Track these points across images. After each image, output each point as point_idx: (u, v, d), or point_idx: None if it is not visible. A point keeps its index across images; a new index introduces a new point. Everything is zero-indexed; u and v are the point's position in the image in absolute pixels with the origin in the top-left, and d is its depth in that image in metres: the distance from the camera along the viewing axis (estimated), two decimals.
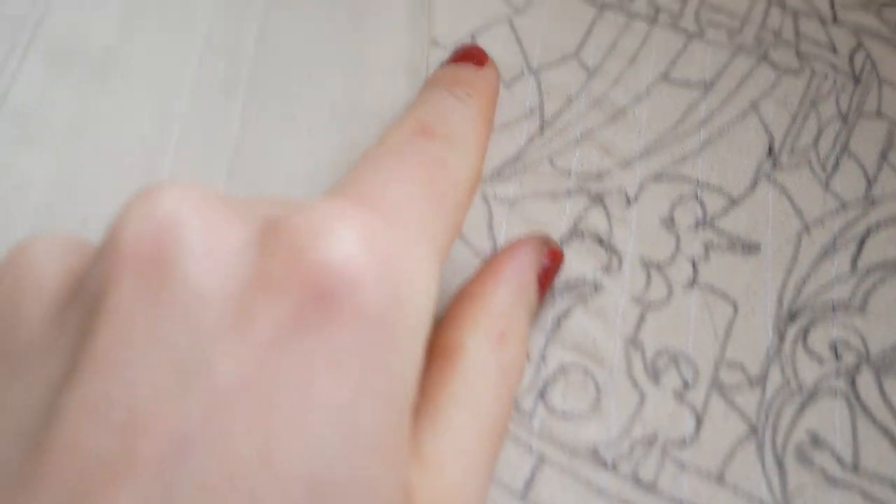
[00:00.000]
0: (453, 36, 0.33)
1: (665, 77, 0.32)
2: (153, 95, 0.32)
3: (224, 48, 0.33)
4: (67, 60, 0.32)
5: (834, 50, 0.33)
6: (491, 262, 0.27)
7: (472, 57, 0.30)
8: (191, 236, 0.18)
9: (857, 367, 0.28)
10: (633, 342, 0.28)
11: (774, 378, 0.28)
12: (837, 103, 0.32)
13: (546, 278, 0.27)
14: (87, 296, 0.18)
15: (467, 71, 0.29)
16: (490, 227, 0.30)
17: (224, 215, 0.19)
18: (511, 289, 0.26)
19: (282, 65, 0.33)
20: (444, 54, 0.33)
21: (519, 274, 0.26)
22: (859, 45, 0.33)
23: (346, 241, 0.18)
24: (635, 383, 0.28)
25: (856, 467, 0.26)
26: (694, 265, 0.29)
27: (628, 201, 0.30)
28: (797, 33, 0.33)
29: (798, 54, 0.33)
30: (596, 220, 0.30)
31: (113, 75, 0.32)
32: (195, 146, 0.32)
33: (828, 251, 0.29)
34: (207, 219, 0.19)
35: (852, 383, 0.28)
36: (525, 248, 0.27)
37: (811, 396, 0.27)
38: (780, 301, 0.29)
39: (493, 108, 0.29)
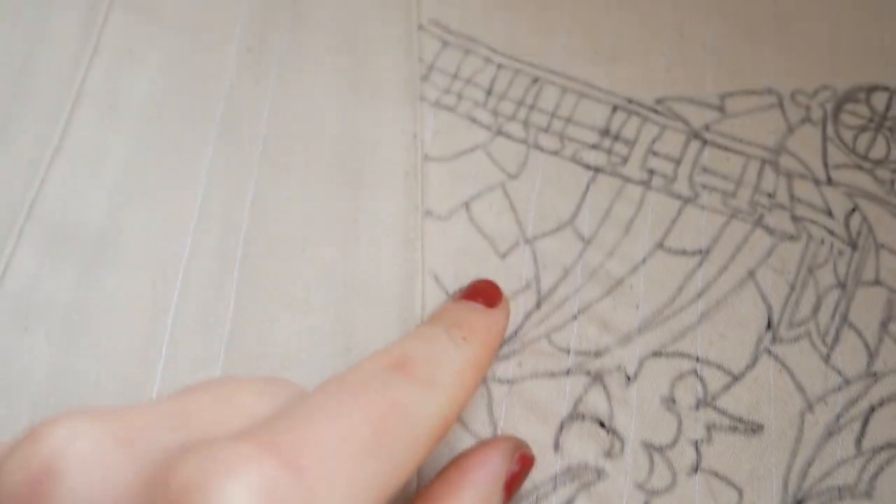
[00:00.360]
0: (447, 204, 0.34)
1: (660, 245, 0.33)
2: (149, 277, 0.33)
3: (219, 218, 0.34)
4: (62, 244, 0.33)
5: (829, 213, 0.33)
6: (459, 463, 0.27)
7: (483, 295, 0.30)
8: (66, 490, 0.18)
9: None
10: None
11: None
12: (835, 270, 0.32)
13: (513, 484, 0.27)
14: None
15: (473, 312, 0.29)
16: (490, 410, 0.30)
17: (111, 459, 0.19)
18: (477, 494, 0.26)
19: (276, 236, 0.33)
20: (437, 224, 0.33)
21: (486, 479, 0.26)
22: (855, 209, 0.33)
23: (233, 499, 0.17)
24: None
25: None
26: (697, 448, 0.30)
27: (628, 380, 0.31)
28: (792, 196, 0.34)
29: (793, 218, 0.33)
30: (596, 400, 0.30)
31: (108, 258, 0.33)
32: (191, 327, 0.32)
33: (832, 431, 0.30)
34: (90, 466, 0.18)
35: None
36: (495, 452, 0.27)
37: None
38: (785, 487, 0.29)
39: (492, 355, 0.29)
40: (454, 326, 0.27)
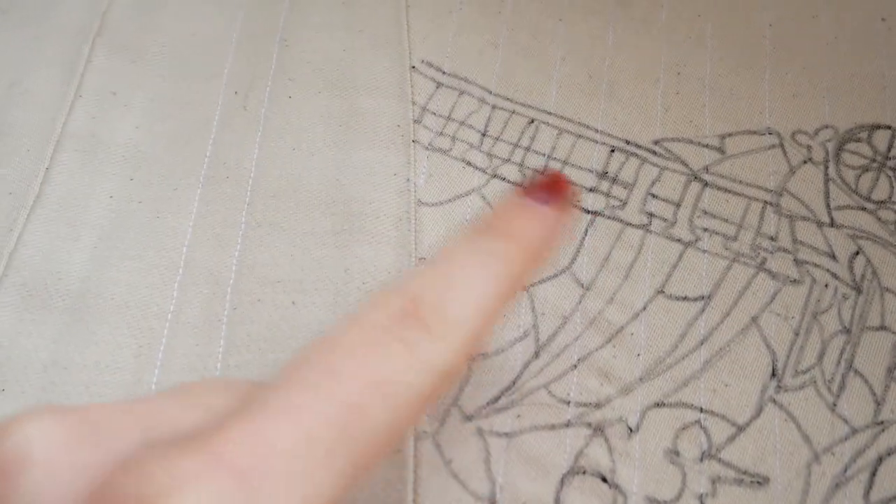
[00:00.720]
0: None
1: (661, 291, 0.33)
2: (133, 334, 0.32)
3: (205, 271, 0.33)
4: (42, 297, 0.33)
5: (833, 256, 0.33)
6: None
7: (545, 189, 0.26)
8: (27, 486, 0.18)
9: None
10: None
11: None
12: (840, 315, 0.32)
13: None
14: None
15: (522, 214, 0.25)
16: (488, 465, 0.30)
17: (76, 458, 0.19)
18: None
19: (265, 289, 0.33)
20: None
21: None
22: (858, 252, 0.33)
23: None
24: None
25: None
26: (702, 502, 0.29)
27: (630, 431, 0.30)
28: (794, 239, 0.34)
29: (796, 262, 0.33)
30: (598, 454, 0.30)
31: (90, 312, 0.32)
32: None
33: (839, 483, 0.30)
34: (54, 465, 0.18)
35: None
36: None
37: None
38: None
39: (536, 264, 0.25)
40: (494, 234, 0.24)
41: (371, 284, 0.33)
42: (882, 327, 0.32)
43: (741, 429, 0.30)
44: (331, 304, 0.33)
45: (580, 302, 0.33)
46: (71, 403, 0.30)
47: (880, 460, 0.30)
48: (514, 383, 0.31)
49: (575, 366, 0.32)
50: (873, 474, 0.30)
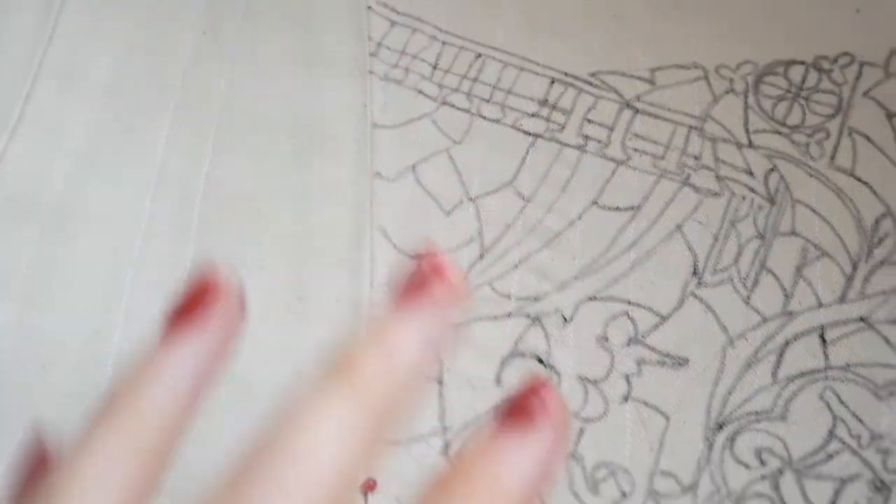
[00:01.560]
0: (395, 167, 0.39)
1: (595, 203, 0.38)
2: (109, 239, 0.37)
3: (176, 187, 0.38)
4: (25, 206, 0.37)
5: (750, 173, 0.38)
6: None
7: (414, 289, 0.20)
8: None
9: (780, 472, 0.33)
10: (574, 455, 0.33)
11: (705, 485, 0.32)
12: (755, 223, 0.37)
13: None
14: None
15: (370, 345, 0.19)
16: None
17: None
18: None
19: (232, 203, 0.38)
20: (386, 184, 0.38)
21: None
22: (773, 169, 0.38)
23: None
24: (576, 496, 0.32)
25: None
26: (628, 381, 0.34)
27: (565, 321, 0.35)
28: (716, 158, 0.39)
29: (717, 178, 0.38)
30: (535, 340, 0.35)
31: (68, 227, 0.37)
32: (150, 289, 0.36)
33: (750, 363, 0.34)
34: None
35: (776, 487, 0.32)
36: None
37: (739, 501, 0.32)
38: (708, 412, 0.34)
39: (396, 413, 0.19)
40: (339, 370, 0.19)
41: (331, 195, 0.38)
42: (793, 233, 0.37)
43: (665, 318, 0.35)
44: (295, 211, 0.37)
45: (521, 211, 0.37)
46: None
47: (787, 344, 0.35)
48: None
49: (516, 266, 0.36)
50: (780, 356, 0.35)
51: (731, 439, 0.33)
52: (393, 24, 0.42)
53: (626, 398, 0.34)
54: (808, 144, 0.39)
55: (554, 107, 0.40)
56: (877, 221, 0.37)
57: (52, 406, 0.33)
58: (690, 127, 0.39)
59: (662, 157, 0.39)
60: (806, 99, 0.40)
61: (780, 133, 0.39)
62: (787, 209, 0.38)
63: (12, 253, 0.36)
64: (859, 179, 0.38)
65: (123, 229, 0.37)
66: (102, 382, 0.34)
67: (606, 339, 0.35)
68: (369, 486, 0.32)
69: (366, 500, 0.32)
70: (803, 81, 0.40)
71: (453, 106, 0.40)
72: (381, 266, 0.37)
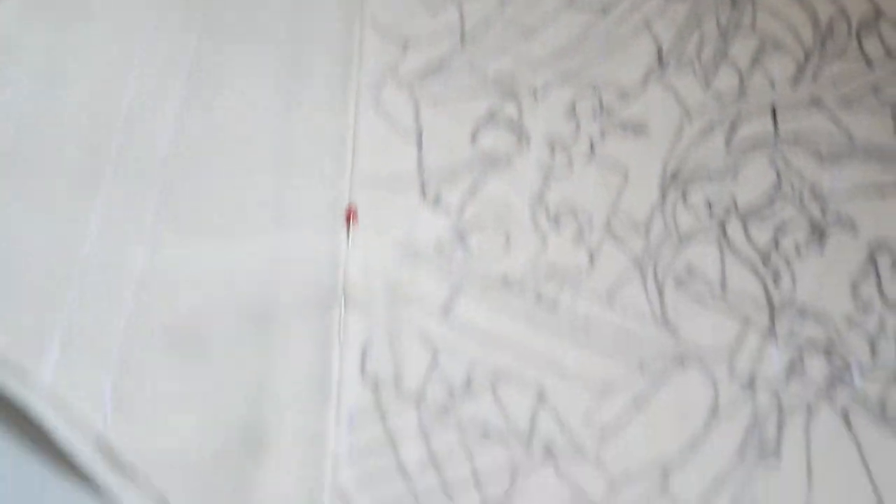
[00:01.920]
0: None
1: (570, 4, 0.41)
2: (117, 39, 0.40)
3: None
4: None
5: None
6: None
7: None
8: None
9: (726, 215, 0.36)
10: (540, 201, 0.36)
11: (657, 226, 0.36)
12: (718, 21, 0.41)
13: None
14: None
15: None
16: (416, 114, 0.38)
17: None
18: None
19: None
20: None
21: None
22: None
23: None
24: (539, 229, 0.36)
25: (723, 287, 0.35)
26: (592, 144, 0.38)
27: (536, 97, 0.39)
28: None
29: None
30: (509, 110, 0.39)
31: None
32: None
33: (706, 132, 0.38)
34: None
35: (722, 228, 0.36)
36: None
37: (688, 239, 0.36)
38: (664, 169, 0.37)
39: None
40: None
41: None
42: (753, 28, 0.41)
43: (629, 95, 0.39)
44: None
45: (503, 8, 0.41)
46: None
47: (740, 115, 0.38)
48: (440, 64, 0.40)
49: (494, 52, 0.40)
50: (734, 128, 0.38)
51: (684, 191, 0.37)
52: None
53: (590, 156, 0.37)
54: None
55: None
56: (831, 19, 0.40)
57: None
58: None
59: None
60: None
61: None
62: (748, 7, 0.41)
63: (29, 42, 0.39)
64: None
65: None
66: None
67: (574, 111, 0.38)
68: (351, 213, 0.36)
69: (348, 229, 0.36)
70: None
71: None
72: None
